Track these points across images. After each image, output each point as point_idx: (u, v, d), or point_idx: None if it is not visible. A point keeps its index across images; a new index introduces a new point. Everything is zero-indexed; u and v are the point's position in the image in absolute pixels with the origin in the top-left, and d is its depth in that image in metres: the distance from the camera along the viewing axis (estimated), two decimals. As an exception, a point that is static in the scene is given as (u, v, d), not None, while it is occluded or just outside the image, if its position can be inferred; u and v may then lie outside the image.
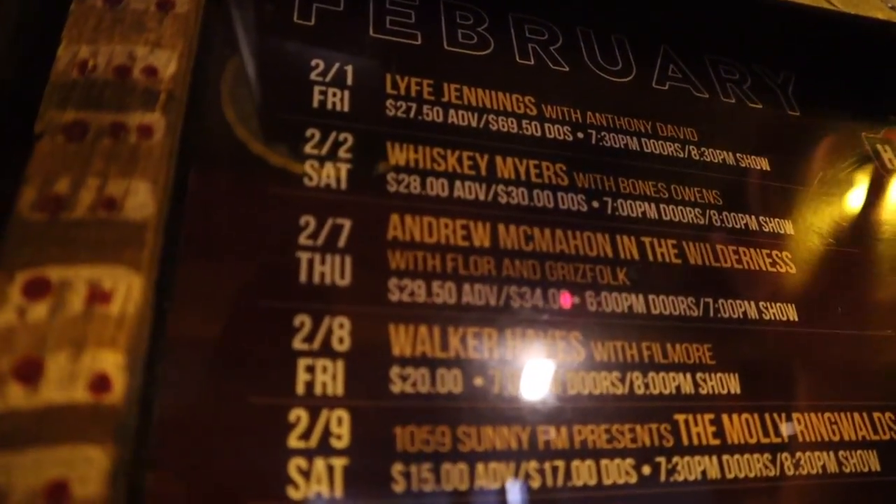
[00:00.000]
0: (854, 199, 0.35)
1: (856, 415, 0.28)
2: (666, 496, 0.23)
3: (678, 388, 0.25)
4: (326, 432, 0.20)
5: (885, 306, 0.32)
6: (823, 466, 0.26)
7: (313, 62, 0.27)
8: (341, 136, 0.26)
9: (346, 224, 0.24)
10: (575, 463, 0.23)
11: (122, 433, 0.17)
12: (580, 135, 0.30)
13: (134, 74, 0.22)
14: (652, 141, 0.31)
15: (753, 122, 0.35)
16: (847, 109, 0.39)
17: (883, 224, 0.35)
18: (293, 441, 0.20)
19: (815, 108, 0.38)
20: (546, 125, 0.30)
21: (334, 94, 0.27)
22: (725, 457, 0.25)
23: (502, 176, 0.27)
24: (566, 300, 0.25)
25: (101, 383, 0.17)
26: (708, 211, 0.30)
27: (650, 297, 0.27)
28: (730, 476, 0.24)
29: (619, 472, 0.23)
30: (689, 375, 0.26)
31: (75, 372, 0.17)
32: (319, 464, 0.20)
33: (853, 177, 0.36)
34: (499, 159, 0.28)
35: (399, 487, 0.20)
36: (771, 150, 0.34)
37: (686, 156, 0.32)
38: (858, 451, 0.27)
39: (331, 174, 0.25)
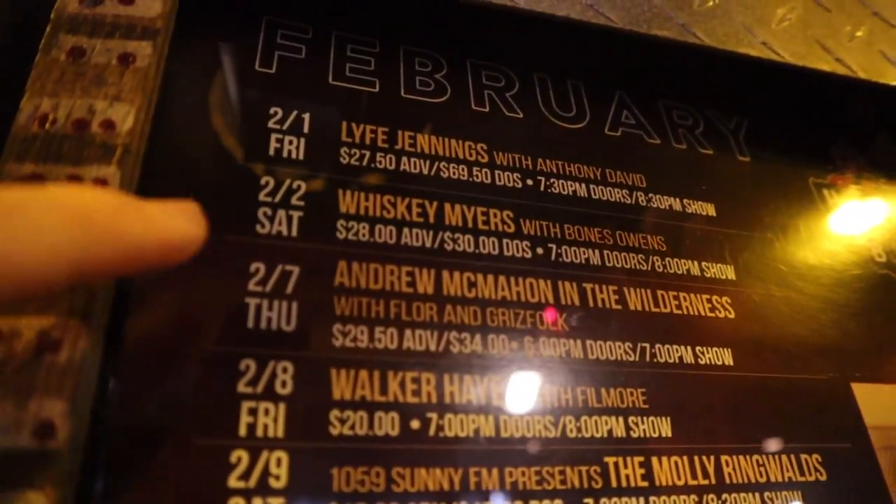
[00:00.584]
0: (797, 243, 0.36)
1: (783, 457, 0.29)
2: (591, 537, 0.24)
3: (610, 431, 0.27)
4: (266, 473, 0.22)
5: (822, 350, 0.33)
6: (749, 508, 0.27)
7: (272, 110, 0.29)
8: (295, 184, 0.27)
9: (295, 271, 0.25)
10: (504, 504, 0.24)
11: (64, 477, 0.19)
12: (529, 182, 0.31)
13: (92, 128, 0.23)
14: (600, 187, 0.33)
15: (703, 168, 0.37)
16: (796, 155, 0.40)
17: (825, 268, 0.36)
18: (233, 481, 0.21)
19: (764, 153, 0.39)
20: (496, 172, 0.31)
21: (290, 142, 0.28)
22: (653, 498, 0.26)
23: (449, 223, 0.28)
24: (504, 345, 0.27)
25: (45, 430, 0.19)
26: (651, 257, 0.32)
27: (588, 342, 0.28)
28: (656, 517, 0.26)
29: (547, 512, 0.24)
30: (621, 419, 0.27)
31: (21, 419, 0.18)
32: (257, 503, 0.21)
33: (798, 222, 0.37)
34: (447, 206, 0.29)
35: (333, 527, 0.22)
36: (718, 196, 0.36)
37: (633, 202, 0.33)
38: (784, 492, 0.28)
39: (282, 221, 0.26)
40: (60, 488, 0.18)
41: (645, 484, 0.26)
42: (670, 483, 0.26)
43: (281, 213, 0.26)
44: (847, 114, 0.44)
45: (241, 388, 0.23)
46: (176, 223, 0.20)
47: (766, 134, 0.40)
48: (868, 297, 0.37)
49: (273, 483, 0.22)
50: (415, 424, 0.24)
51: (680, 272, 0.32)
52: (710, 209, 0.35)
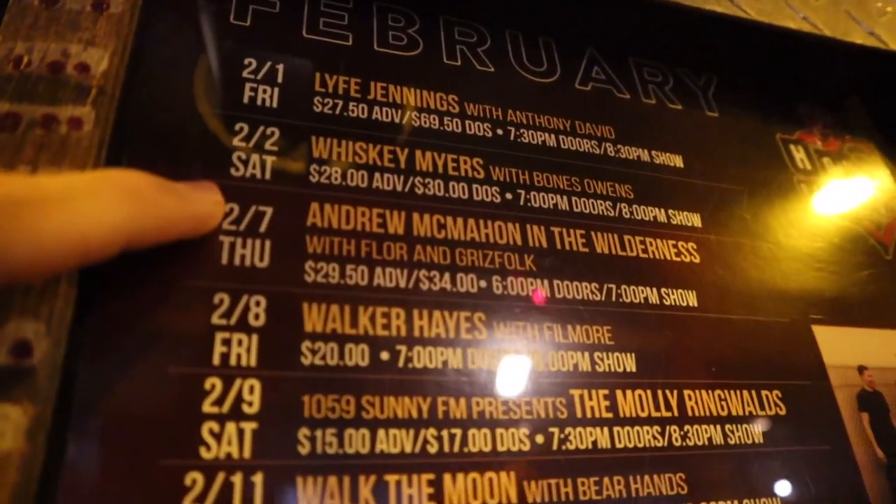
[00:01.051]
0: (763, 195, 0.37)
1: (744, 392, 0.30)
2: (556, 462, 0.25)
3: (576, 365, 0.28)
4: (239, 399, 0.22)
5: (785, 295, 0.34)
6: (710, 438, 0.28)
7: (246, 60, 0.29)
8: (269, 130, 0.28)
9: (268, 211, 0.26)
10: (472, 431, 0.25)
11: (42, 395, 0.19)
12: (499, 131, 0.32)
13: (67, 70, 0.24)
14: (569, 138, 0.34)
15: (671, 122, 0.38)
16: (764, 111, 0.41)
17: (791, 220, 0.37)
18: (207, 406, 0.22)
19: (733, 109, 0.40)
20: (467, 122, 0.32)
21: (264, 91, 0.29)
22: (616, 428, 0.27)
23: (420, 168, 0.29)
24: (472, 283, 0.27)
25: (21, 349, 0.19)
26: (619, 204, 0.33)
27: (555, 281, 0.29)
28: (619, 446, 0.27)
29: (513, 440, 0.25)
30: (587, 354, 0.28)
31: (-1, 339, 0.19)
32: (231, 427, 0.22)
33: (765, 175, 0.38)
34: (418, 153, 0.30)
35: (304, 450, 0.22)
36: (686, 149, 0.37)
37: (602, 152, 0.34)
38: (744, 425, 0.29)
39: (256, 165, 0.27)
40: (38, 405, 0.19)
41: (609, 415, 0.27)
42: (634, 415, 0.27)
43: (255, 157, 0.27)
44: (816, 74, 0.45)
45: (216, 319, 0.23)
46: (203, 199, 0.24)
47: (735, 91, 0.41)
48: (831, 246, 0.38)
49: (246, 409, 0.22)
50: (384, 356, 0.25)
51: (647, 219, 0.33)
52: (677, 160, 0.36)
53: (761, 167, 0.39)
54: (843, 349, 0.34)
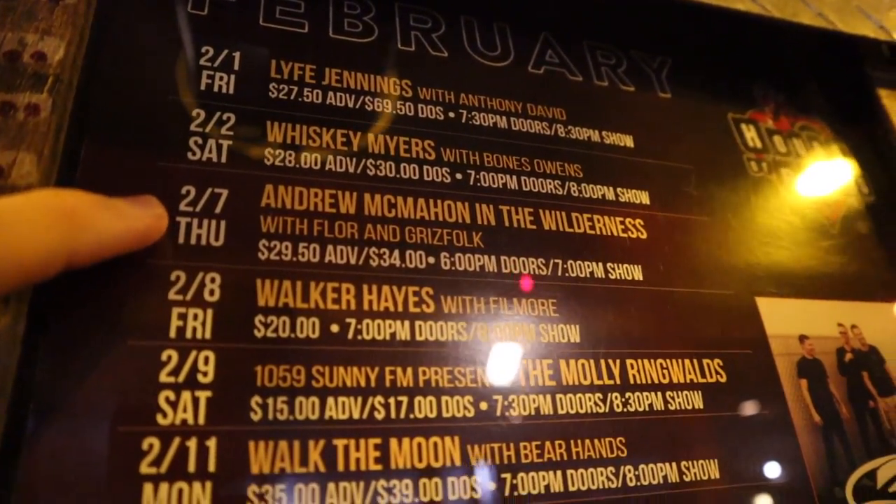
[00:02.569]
0: (713, 173, 0.39)
1: (686, 361, 0.31)
2: (499, 427, 0.27)
3: (521, 336, 0.29)
4: (194, 369, 0.24)
5: (730, 269, 0.36)
6: (651, 405, 0.30)
7: (203, 49, 0.30)
8: (225, 116, 0.29)
9: (224, 193, 0.27)
10: (417, 398, 0.26)
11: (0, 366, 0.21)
12: (451, 114, 0.33)
13: (24, 59, 0.25)
14: (521, 120, 0.35)
15: (623, 103, 0.39)
16: (716, 92, 0.43)
17: (737, 195, 0.39)
18: (164, 376, 0.23)
19: (686, 90, 0.42)
20: (419, 106, 0.33)
21: (221, 78, 0.30)
22: (559, 396, 0.28)
23: (372, 151, 0.31)
24: (421, 260, 0.29)
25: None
26: (567, 183, 0.34)
27: (502, 257, 0.30)
28: (561, 412, 0.28)
29: (458, 407, 0.27)
30: (532, 326, 0.29)
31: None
32: (186, 395, 0.23)
33: (714, 153, 0.40)
34: (371, 136, 0.31)
35: (256, 416, 0.24)
36: (637, 129, 0.38)
37: (552, 133, 0.35)
38: (685, 392, 0.31)
39: (212, 149, 0.28)
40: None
41: (553, 383, 0.29)
42: (576, 383, 0.29)
43: (211, 142, 0.28)
44: (771, 55, 0.46)
45: (172, 295, 0.25)
46: (142, 214, 0.24)
47: (688, 73, 0.42)
48: (778, 221, 0.39)
49: (201, 378, 0.24)
50: (334, 328, 0.26)
51: (595, 196, 0.34)
52: (628, 140, 0.37)
53: (711, 146, 0.40)
54: (786, 319, 0.35)
